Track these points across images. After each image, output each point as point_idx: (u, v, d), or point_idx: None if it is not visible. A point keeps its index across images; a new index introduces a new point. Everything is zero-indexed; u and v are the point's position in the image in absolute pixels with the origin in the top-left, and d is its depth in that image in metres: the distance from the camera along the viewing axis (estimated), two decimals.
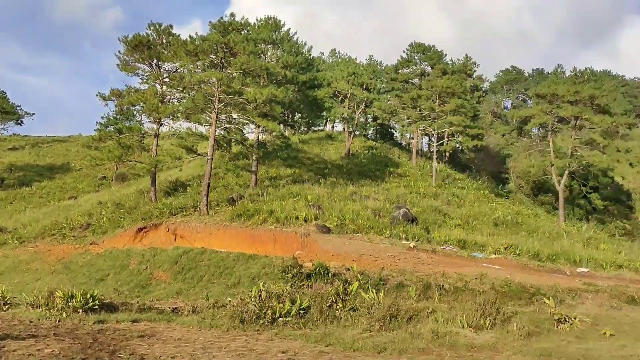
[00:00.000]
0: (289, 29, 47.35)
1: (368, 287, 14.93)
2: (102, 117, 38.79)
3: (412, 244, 22.89)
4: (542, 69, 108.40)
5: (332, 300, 13.41)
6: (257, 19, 41.76)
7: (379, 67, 70.39)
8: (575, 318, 12.26)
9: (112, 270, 24.30)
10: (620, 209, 58.46)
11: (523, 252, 24.11)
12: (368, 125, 68.70)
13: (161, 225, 28.75)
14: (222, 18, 32.23)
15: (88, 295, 12.60)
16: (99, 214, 32.89)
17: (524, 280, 16.87)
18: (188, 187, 34.83)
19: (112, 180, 49.38)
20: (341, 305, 13.32)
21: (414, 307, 13.60)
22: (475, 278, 16.98)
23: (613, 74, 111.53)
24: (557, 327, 11.98)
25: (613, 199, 57.65)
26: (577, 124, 44.27)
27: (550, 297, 13.94)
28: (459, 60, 70.61)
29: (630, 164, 47.69)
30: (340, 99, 51.86)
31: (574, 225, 40.44)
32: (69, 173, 53.92)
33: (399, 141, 73.01)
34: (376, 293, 13.99)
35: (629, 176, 65.13)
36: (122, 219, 30.94)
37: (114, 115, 38.03)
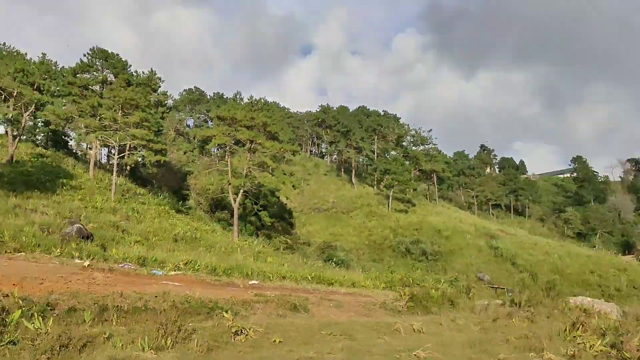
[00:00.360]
0: None
1: (33, 315, 12.94)
2: None
3: (86, 263, 20.96)
4: (223, 93, 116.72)
5: None
6: None
7: (54, 68, 63.76)
8: (250, 329, 13.08)
9: None
10: (283, 226, 66.46)
11: (201, 267, 24.68)
12: (38, 130, 61.25)
13: None
14: None
15: None
16: None
17: (203, 295, 17.22)
18: None
19: None
20: None
21: (88, 333, 12.33)
22: (156, 296, 16.52)
23: (281, 105, 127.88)
24: (234, 339, 12.55)
25: (278, 216, 65.15)
26: (252, 147, 48.66)
27: (228, 310, 14.60)
28: (144, 72, 69.36)
29: (293, 186, 54.83)
30: (3, 97, 44.64)
31: (246, 241, 43.97)
32: None
33: (75, 150, 67.17)
34: (43, 321, 12.21)
35: (292, 196, 74.91)
36: None
37: None
